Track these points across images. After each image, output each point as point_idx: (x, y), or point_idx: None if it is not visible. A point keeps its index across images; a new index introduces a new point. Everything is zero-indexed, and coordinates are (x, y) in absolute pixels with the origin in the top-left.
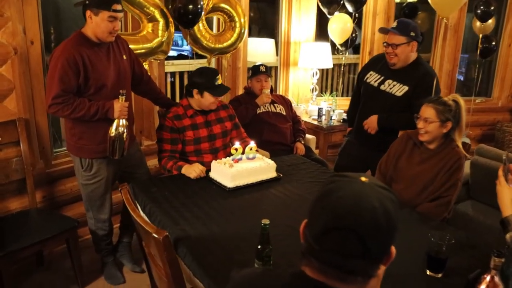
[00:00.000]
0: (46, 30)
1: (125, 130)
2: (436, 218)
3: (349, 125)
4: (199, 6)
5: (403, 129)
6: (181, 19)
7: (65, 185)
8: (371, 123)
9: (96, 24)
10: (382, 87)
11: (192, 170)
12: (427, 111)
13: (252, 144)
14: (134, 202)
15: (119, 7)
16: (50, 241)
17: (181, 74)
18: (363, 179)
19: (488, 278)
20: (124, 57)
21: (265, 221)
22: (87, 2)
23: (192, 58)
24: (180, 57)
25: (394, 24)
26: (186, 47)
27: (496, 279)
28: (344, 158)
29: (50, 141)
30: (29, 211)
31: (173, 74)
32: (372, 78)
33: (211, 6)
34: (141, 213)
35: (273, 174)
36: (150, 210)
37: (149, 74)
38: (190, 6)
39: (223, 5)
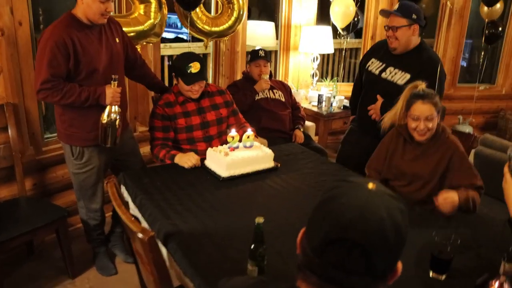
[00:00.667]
0: (35, 11)
1: (117, 117)
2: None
3: (352, 113)
4: None
5: None
6: (183, 0)
7: (56, 172)
8: (376, 109)
9: (87, 5)
10: (383, 75)
11: (187, 159)
12: (427, 109)
13: (250, 131)
14: (121, 194)
15: None
16: (40, 231)
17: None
18: (370, 185)
19: (496, 284)
20: (117, 40)
21: (259, 220)
22: None
23: (189, 41)
24: (178, 40)
25: (396, 6)
26: (185, 30)
27: (506, 286)
28: (347, 147)
29: (41, 127)
30: (18, 199)
31: (170, 57)
32: (374, 65)
33: None
34: (131, 204)
35: (270, 164)
36: (141, 202)
37: (143, 58)
38: None
39: None
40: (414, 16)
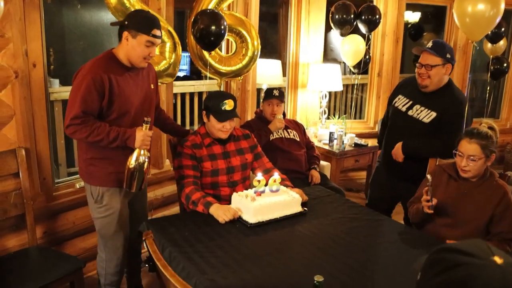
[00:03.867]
0: (47, 52)
1: (146, 160)
2: None
3: (380, 148)
4: (222, 27)
5: (430, 157)
6: (202, 40)
7: (68, 218)
8: (397, 150)
9: (132, 47)
10: (410, 112)
11: (223, 213)
12: (471, 148)
13: (277, 175)
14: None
15: (158, 32)
16: (54, 285)
17: (183, 96)
18: (497, 259)
19: None
20: (152, 86)
21: (318, 278)
22: (126, 22)
23: (192, 79)
24: (178, 77)
25: (430, 44)
26: (184, 67)
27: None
28: (376, 189)
29: (52, 171)
30: (29, 250)
31: (174, 95)
32: (401, 102)
33: None
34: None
35: (298, 208)
36: (171, 255)
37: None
38: (213, 27)
39: (237, 26)
40: (448, 56)
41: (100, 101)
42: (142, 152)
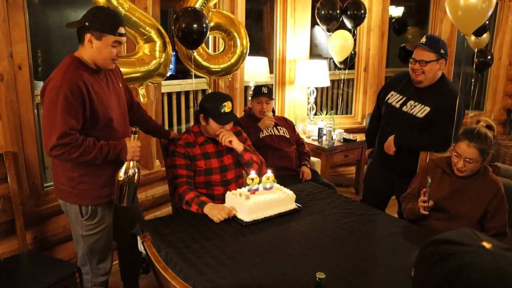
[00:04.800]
0: (34, 53)
1: (136, 172)
2: None
3: (368, 146)
4: (204, 25)
5: (422, 150)
6: (185, 39)
7: (58, 223)
8: (389, 143)
9: (97, 50)
10: (404, 108)
11: (217, 212)
12: (470, 152)
13: (270, 173)
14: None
15: (123, 30)
16: None
17: (169, 95)
18: (486, 244)
19: None
20: (120, 84)
21: (320, 275)
22: (86, 23)
23: (177, 78)
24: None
25: (423, 39)
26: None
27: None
28: (369, 185)
29: (41, 175)
30: (20, 256)
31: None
32: (394, 98)
33: (212, 24)
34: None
35: (292, 205)
36: (167, 256)
37: (137, 100)
38: (195, 26)
39: (225, 25)
40: (442, 51)
41: (82, 112)
42: (131, 164)
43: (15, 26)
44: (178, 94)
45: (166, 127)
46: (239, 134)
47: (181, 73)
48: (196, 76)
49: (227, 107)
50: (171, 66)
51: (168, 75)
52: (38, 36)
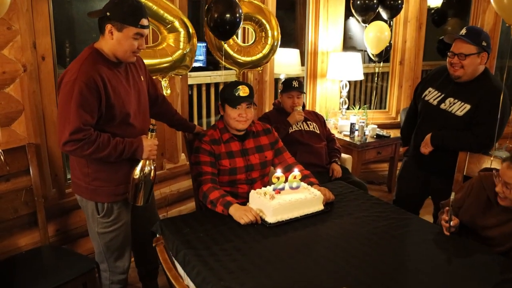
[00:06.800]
0: (60, 44)
1: (151, 169)
2: None
3: (404, 144)
4: (237, 15)
5: (461, 150)
6: (217, 29)
7: (81, 216)
8: (425, 142)
9: (118, 42)
10: (442, 106)
11: (243, 214)
12: (508, 175)
13: (297, 171)
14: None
15: (146, 22)
16: (67, 286)
17: (199, 87)
18: None
19: None
20: (142, 78)
21: None
22: (108, 14)
23: (208, 69)
24: (195, 68)
25: (463, 31)
26: (200, 57)
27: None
28: (404, 185)
29: (64, 168)
30: (41, 248)
31: (190, 87)
32: (431, 95)
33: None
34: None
35: (320, 206)
36: (185, 258)
37: (162, 93)
38: (228, 15)
39: (257, 15)
40: (484, 44)
41: (98, 107)
42: (147, 162)
43: (39, 16)
44: (208, 85)
45: (196, 119)
46: (269, 132)
47: (212, 64)
48: (227, 68)
49: (242, 91)
50: (202, 58)
51: (199, 66)
52: (65, 26)
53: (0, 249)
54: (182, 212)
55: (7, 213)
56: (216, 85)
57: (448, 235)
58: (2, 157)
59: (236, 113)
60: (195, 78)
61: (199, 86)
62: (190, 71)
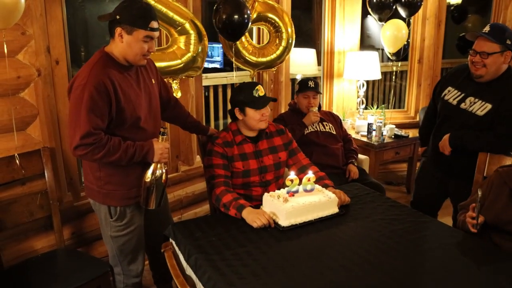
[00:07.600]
0: (75, 48)
1: (163, 172)
2: None
3: (422, 144)
4: (245, 16)
5: (479, 151)
6: (225, 30)
7: (96, 219)
8: (444, 142)
9: (128, 45)
10: (462, 106)
11: (256, 218)
12: None
13: (311, 174)
14: (182, 266)
15: (156, 24)
16: None
17: (215, 87)
18: None
19: None
20: (153, 81)
21: None
22: (117, 17)
23: (225, 70)
24: (212, 69)
25: (486, 28)
26: (217, 58)
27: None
28: (422, 186)
29: (79, 171)
30: (56, 252)
31: (206, 88)
32: (451, 95)
33: (255, 15)
34: (184, 262)
35: (334, 209)
36: (196, 262)
37: (175, 96)
38: (236, 16)
39: (269, 14)
40: (508, 42)
41: (108, 111)
42: (158, 165)
43: (52, 20)
44: (224, 86)
45: (212, 120)
46: (282, 133)
47: (229, 65)
48: (240, 69)
49: (260, 90)
50: (219, 59)
51: (216, 67)
52: (79, 30)
53: (16, 252)
54: (198, 214)
55: (22, 217)
56: (233, 86)
57: (475, 232)
58: (17, 161)
59: (260, 113)
60: (211, 79)
61: (215, 87)
62: (206, 72)
